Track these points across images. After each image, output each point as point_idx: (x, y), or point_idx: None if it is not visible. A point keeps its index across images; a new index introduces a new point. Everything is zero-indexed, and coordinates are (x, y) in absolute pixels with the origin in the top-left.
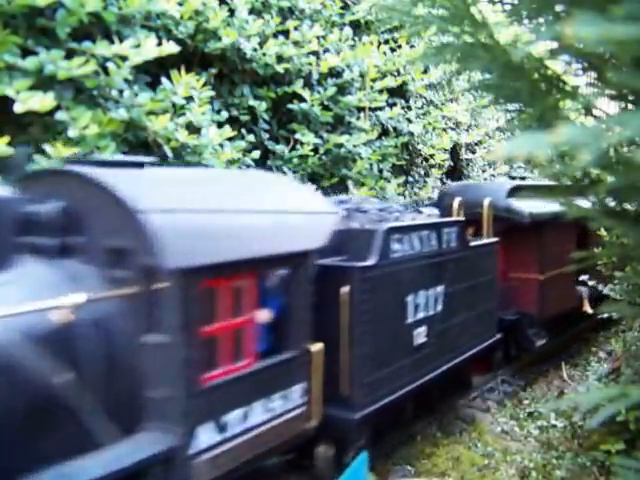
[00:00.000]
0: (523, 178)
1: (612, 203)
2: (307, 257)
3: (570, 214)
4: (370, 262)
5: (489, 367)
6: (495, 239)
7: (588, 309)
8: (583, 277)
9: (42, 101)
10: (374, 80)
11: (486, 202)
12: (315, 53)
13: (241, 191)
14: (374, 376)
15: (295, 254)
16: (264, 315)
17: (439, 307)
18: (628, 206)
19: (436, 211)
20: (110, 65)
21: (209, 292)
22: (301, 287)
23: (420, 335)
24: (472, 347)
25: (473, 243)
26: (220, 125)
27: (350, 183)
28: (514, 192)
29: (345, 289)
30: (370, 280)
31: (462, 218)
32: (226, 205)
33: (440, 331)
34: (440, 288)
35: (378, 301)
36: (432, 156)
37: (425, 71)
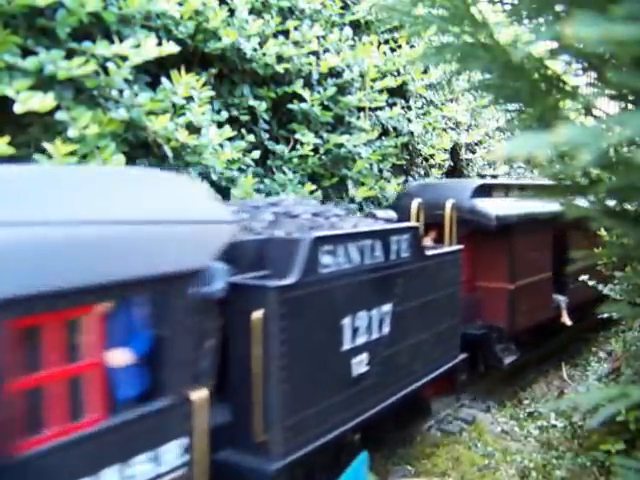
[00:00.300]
0: (494, 176)
1: (612, 203)
2: (186, 280)
3: (569, 214)
4: (291, 280)
5: (453, 388)
6: (459, 247)
7: (567, 320)
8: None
9: (42, 101)
10: (374, 80)
11: (448, 204)
12: (315, 53)
13: (95, 196)
14: (299, 417)
15: (166, 277)
16: (120, 357)
17: (386, 329)
18: (628, 206)
19: (393, 214)
20: (110, 65)
21: (25, 332)
22: (178, 318)
23: (360, 364)
24: (429, 371)
25: (431, 252)
26: (220, 125)
27: (350, 183)
28: (480, 192)
29: (257, 314)
30: (291, 302)
31: (416, 224)
32: (63, 215)
33: (387, 357)
34: (387, 307)
35: (303, 327)
36: (432, 156)
37: (425, 71)
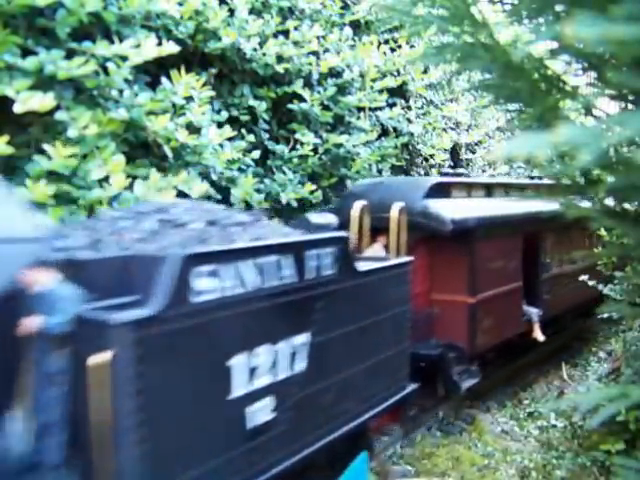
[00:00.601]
0: (459, 174)
1: (612, 203)
2: None
3: (569, 215)
4: (150, 312)
5: (403, 418)
6: (407, 259)
7: (539, 336)
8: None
9: (42, 101)
10: (374, 80)
11: (396, 206)
12: (315, 53)
13: None
14: None
15: None
16: None
17: (301, 365)
18: (628, 206)
19: (332, 219)
20: (110, 65)
21: None
22: None
23: (261, 412)
24: (368, 409)
25: (367, 267)
26: (220, 125)
27: (349, 183)
28: (435, 191)
29: (100, 359)
30: (151, 340)
31: (343, 233)
32: None
33: (304, 399)
34: (303, 338)
35: (170, 372)
36: (432, 156)
37: (425, 71)
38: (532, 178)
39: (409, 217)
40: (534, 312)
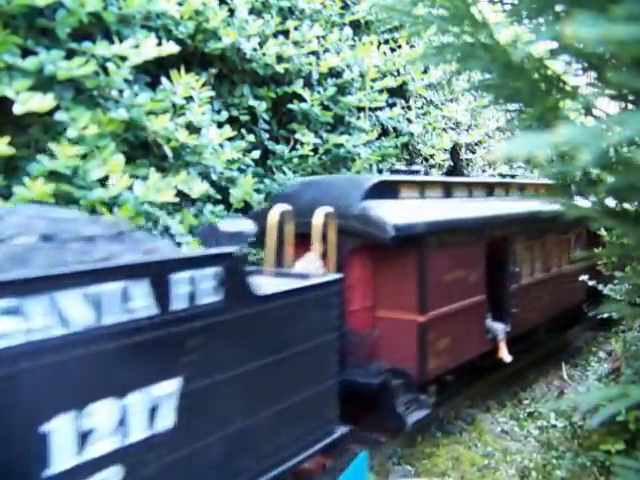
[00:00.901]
0: (414, 172)
1: (612, 203)
2: None
3: (569, 215)
4: None
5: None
6: (335, 276)
7: (505, 355)
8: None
9: (41, 102)
10: (374, 80)
11: (320, 211)
12: (315, 53)
13: None
14: None
15: None
16: None
17: (166, 421)
18: (628, 206)
19: (249, 226)
20: (110, 65)
21: None
22: None
23: None
24: (278, 463)
25: (271, 290)
26: (220, 125)
27: None
28: (378, 191)
29: None
30: None
31: (232, 249)
32: None
33: (173, 463)
34: (168, 386)
35: None
36: (432, 156)
37: (425, 71)
38: (503, 176)
39: (344, 222)
40: (499, 329)
